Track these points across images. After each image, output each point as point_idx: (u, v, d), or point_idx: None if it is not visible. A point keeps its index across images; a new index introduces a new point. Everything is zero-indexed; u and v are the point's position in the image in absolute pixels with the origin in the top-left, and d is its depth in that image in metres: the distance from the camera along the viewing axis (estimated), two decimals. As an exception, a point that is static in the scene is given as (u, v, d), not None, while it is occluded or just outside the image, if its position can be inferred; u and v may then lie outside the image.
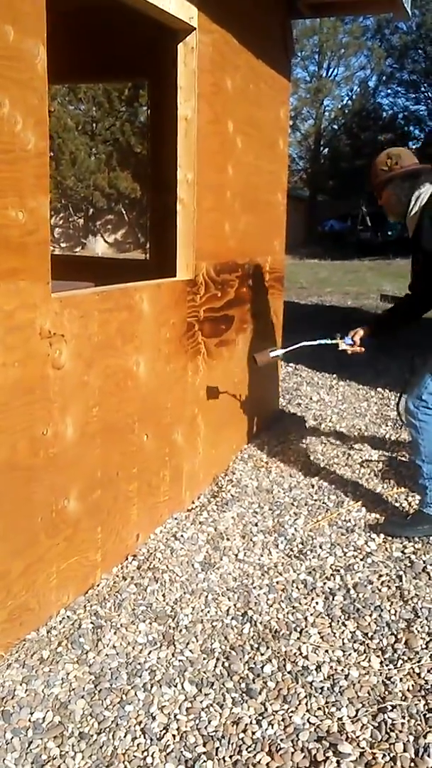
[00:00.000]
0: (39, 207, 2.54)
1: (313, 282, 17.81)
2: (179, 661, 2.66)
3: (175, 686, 2.52)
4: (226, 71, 4.03)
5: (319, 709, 2.42)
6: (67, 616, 2.90)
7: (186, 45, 3.61)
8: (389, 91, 40.36)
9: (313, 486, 4.31)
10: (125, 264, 7.81)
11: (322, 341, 3.77)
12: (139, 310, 3.32)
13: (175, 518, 3.82)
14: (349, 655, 2.71)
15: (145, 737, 2.29)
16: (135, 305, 3.29)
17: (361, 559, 3.43)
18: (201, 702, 2.45)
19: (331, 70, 37.68)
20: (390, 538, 3.62)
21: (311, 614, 2.97)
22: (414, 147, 37.17)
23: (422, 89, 37.48)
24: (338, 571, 3.32)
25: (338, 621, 2.92)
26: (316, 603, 3.06)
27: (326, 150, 37.98)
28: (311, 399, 6.35)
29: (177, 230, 3.81)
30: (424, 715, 2.38)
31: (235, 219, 4.39)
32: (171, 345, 3.65)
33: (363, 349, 3.78)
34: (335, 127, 38.12)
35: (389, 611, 3.00)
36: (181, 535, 3.64)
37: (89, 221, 30.11)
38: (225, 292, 4.31)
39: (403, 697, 2.47)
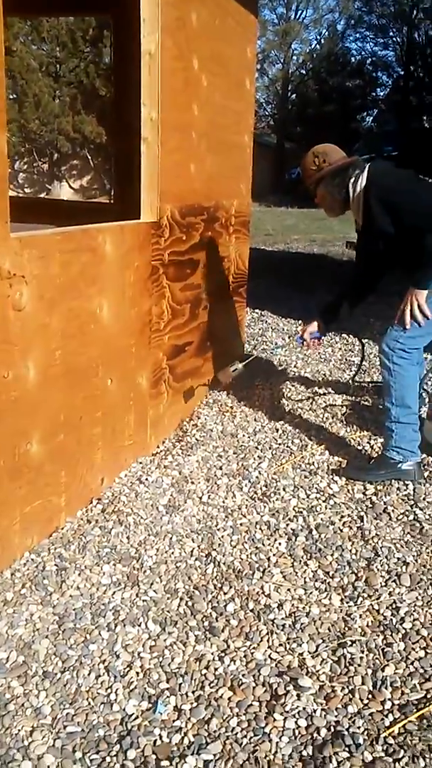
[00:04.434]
0: (-4, 142, 2.46)
1: (280, 229, 17.67)
2: (143, 601, 2.69)
3: (139, 625, 2.55)
4: (191, 4, 3.90)
5: (280, 645, 2.46)
6: (31, 559, 2.90)
7: (149, -24, 3.49)
8: (358, 35, 39.78)
9: (277, 430, 4.33)
10: (89, 208, 7.66)
11: (278, 349, 3.88)
12: (102, 251, 3.26)
13: (140, 462, 3.82)
14: (311, 593, 2.75)
15: (108, 675, 2.31)
16: (98, 247, 3.23)
17: (324, 501, 3.47)
18: (164, 640, 2.48)
19: (299, 12, 36.93)
20: (352, 480, 3.67)
21: (274, 554, 3.01)
22: (382, 93, 36.70)
23: (391, 34, 36.73)
24: (301, 512, 3.36)
25: (300, 561, 2.97)
26: (279, 543, 3.09)
27: (294, 95, 37.33)
28: (276, 345, 6.34)
29: (141, 171, 3.73)
30: (382, 649, 2.44)
31: (201, 160, 4.30)
32: (135, 288, 3.60)
33: (316, 342, 3.97)
34: (303, 71, 37.44)
35: (350, 551, 3.04)
36: (146, 479, 3.65)
37: (54, 166, 29.45)
38: (190, 235, 4.25)
39: (363, 633, 2.53)
